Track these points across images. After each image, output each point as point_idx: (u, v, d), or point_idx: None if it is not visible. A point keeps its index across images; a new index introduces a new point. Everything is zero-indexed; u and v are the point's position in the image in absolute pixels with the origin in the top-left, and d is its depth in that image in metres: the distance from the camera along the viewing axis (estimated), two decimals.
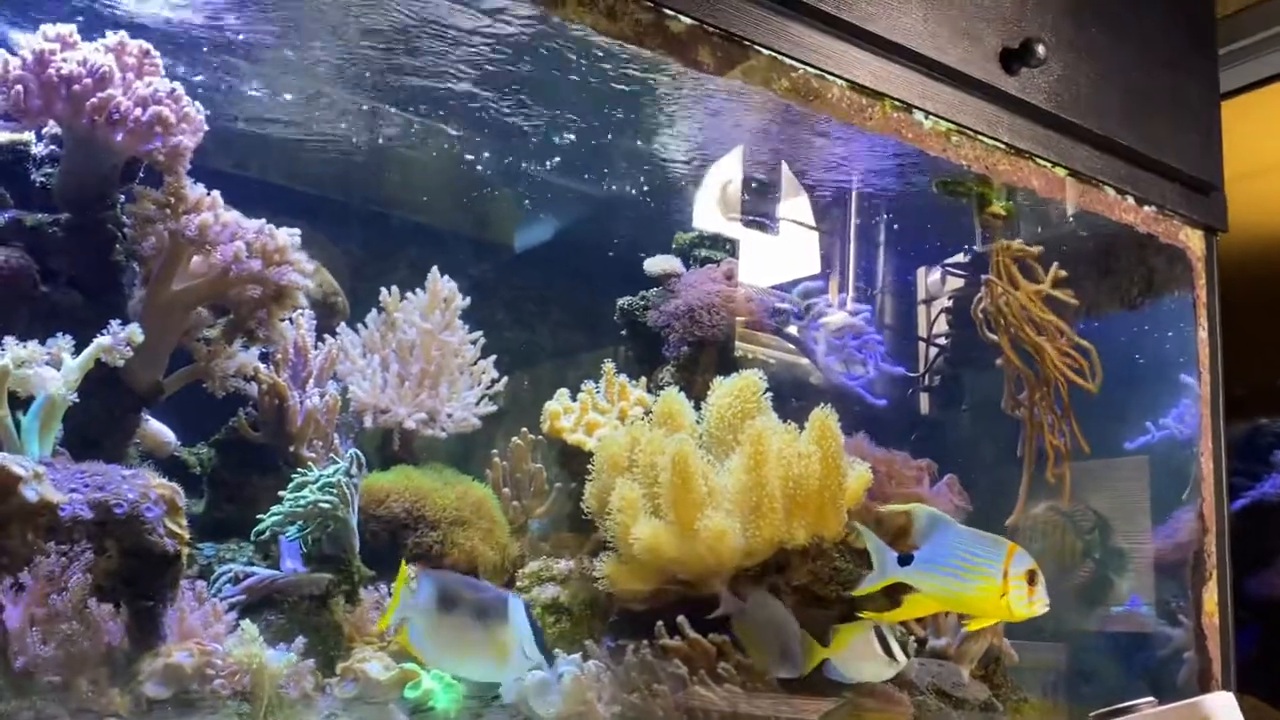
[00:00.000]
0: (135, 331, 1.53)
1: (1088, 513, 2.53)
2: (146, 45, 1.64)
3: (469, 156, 2.40)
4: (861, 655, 1.68)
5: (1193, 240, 2.30)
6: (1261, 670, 2.54)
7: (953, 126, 1.92)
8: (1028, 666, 2.18)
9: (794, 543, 1.78)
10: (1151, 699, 1.67)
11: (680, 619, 1.71)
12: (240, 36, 1.91)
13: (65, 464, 1.43)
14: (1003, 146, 1.99)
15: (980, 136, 1.96)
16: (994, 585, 1.61)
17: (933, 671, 1.92)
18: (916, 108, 1.88)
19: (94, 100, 1.55)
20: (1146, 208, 2.22)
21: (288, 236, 1.67)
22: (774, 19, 1.67)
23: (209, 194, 1.67)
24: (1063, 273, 2.17)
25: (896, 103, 1.86)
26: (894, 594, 1.73)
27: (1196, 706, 1.62)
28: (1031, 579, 1.62)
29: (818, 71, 1.77)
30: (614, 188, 2.53)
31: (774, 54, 1.72)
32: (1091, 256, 2.40)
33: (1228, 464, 2.45)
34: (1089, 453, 2.22)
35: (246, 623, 1.45)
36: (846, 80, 1.80)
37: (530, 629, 1.47)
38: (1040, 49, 1.91)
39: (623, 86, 2.00)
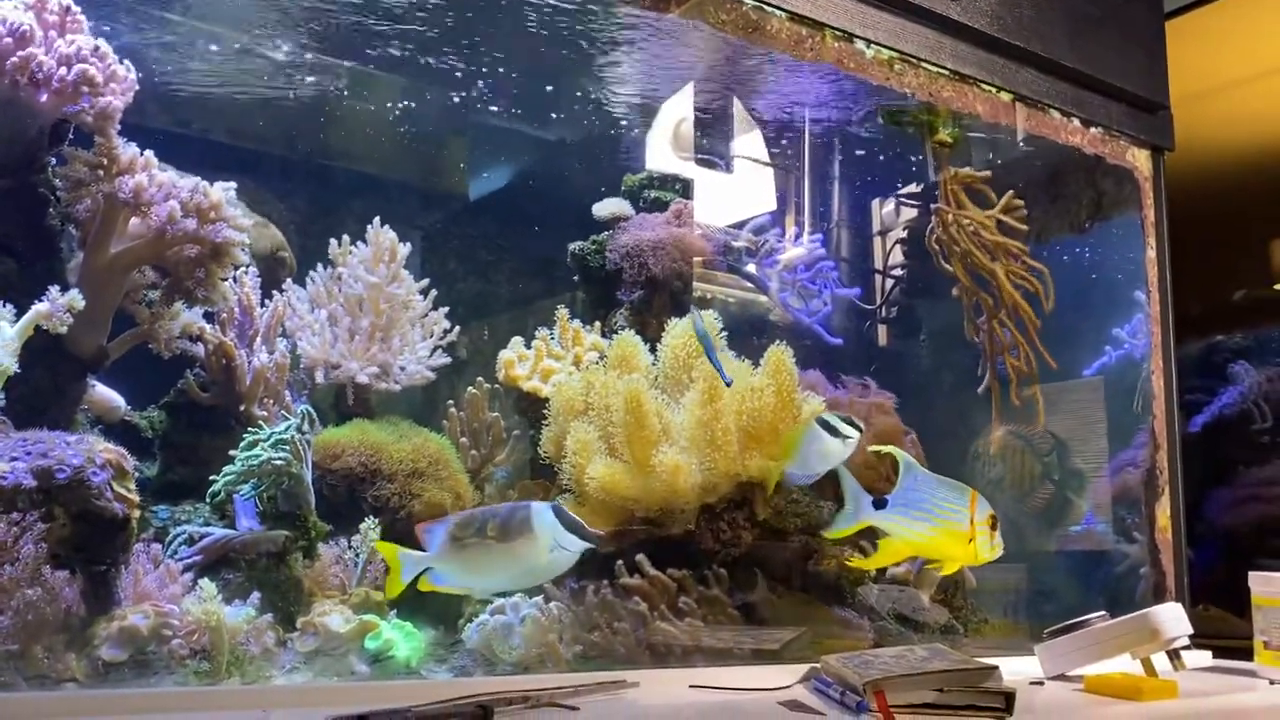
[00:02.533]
0: (75, 298, 1.50)
1: (1046, 435, 2.56)
2: (67, 1, 1.59)
3: (415, 106, 2.37)
4: (816, 451, 1.70)
5: (1140, 160, 2.31)
6: (1224, 583, 2.60)
7: (895, 54, 1.91)
8: (988, 589, 2.22)
9: (749, 476, 1.79)
10: (1103, 613, 1.71)
11: (640, 556, 1.73)
12: None
13: (7, 432, 1.41)
14: (946, 73, 1.98)
15: (923, 63, 1.95)
16: (962, 531, 1.64)
17: (893, 597, 1.95)
18: (858, 37, 1.86)
19: (15, 59, 1.51)
20: (1093, 129, 2.22)
21: (221, 192, 1.64)
22: None
23: (142, 154, 1.64)
24: (1018, 201, 2.18)
25: (837, 32, 1.84)
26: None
27: (1146, 617, 1.65)
28: (993, 524, 1.66)
29: (757, 3, 1.75)
30: (563, 132, 2.51)
31: None
32: (1039, 182, 2.40)
33: (1184, 382, 2.49)
34: (1055, 368, 2.24)
35: (205, 581, 1.45)
36: (786, 11, 1.78)
37: (559, 524, 1.50)
38: None
39: (567, 29, 1.97)
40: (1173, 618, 1.67)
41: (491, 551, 1.50)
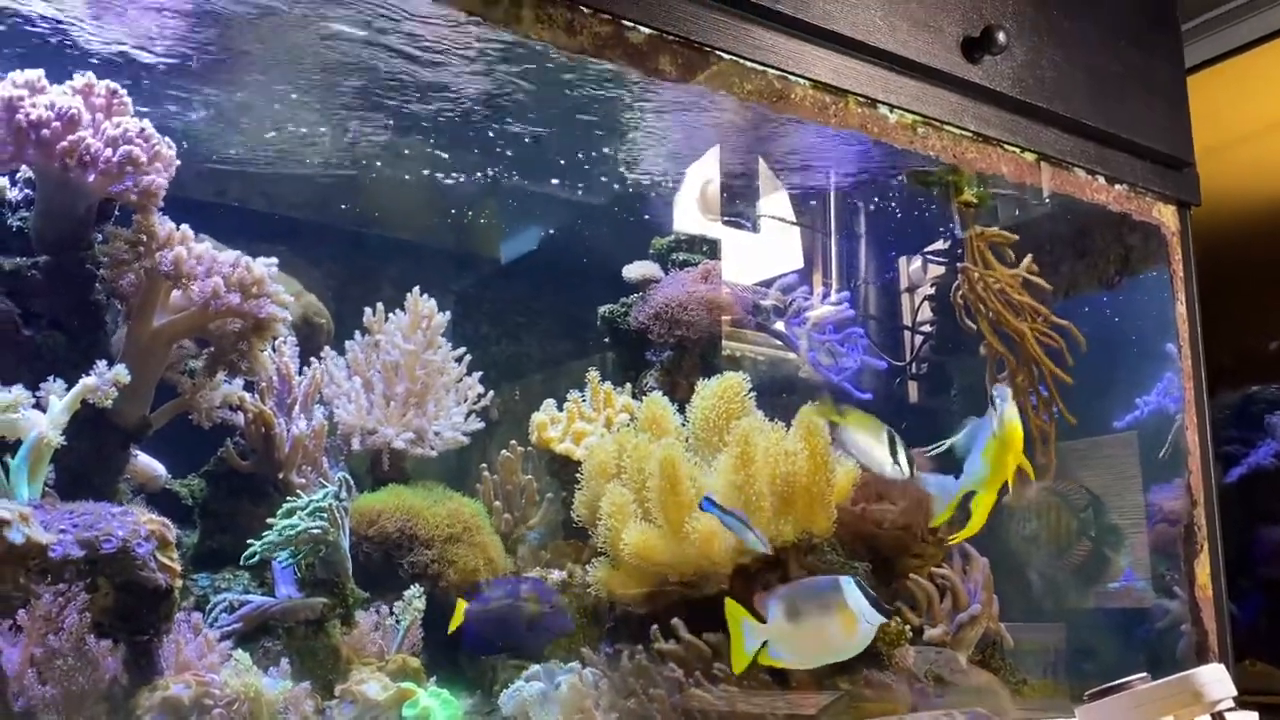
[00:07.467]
0: (122, 373, 1.54)
1: (1081, 491, 2.55)
2: (114, 85, 1.65)
3: (448, 174, 2.42)
4: (869, 442, 1.80)
5: (1166, 216, 2.31)
6: (1268, 636, 2.56)
7: (918, 118, 1.93)
8: (1026, 649, 2.20)
9: (783, 540, 1.79)
10: (1144, 674, 1.69)
11: (675, 621, 1.72)
12: (213, 62, 1.92)
13: (54, 505, 1.45)
14: (970, 135, 2.00)
15: (946, 126, 1.97)
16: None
17: (930, 659, 1.93)
18: (881, 102, 1.89)
19: (64, 144, 1.56)
20: (1118, 186, 2.23)
21: (264, 267, 1.68)
22: (733, 24, 1.68)
23: (179, 228, 1.68)
24: (1034, 267, 2.19)
25: (860, 98, 1.87)
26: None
27: (1188, 679, 1.63)
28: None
29: (780, 73, 1.79)
30: (592, 197, 2.55)
31: (736, 58, 1.73)
32: (1067, 238, 2.41)
33: (1220, 434, 2.47)
34: (1074, 424, 2.24)
35: (239, 652, 1.47)
36: (809, 80, 1.81)
37: (864, 599, 1.54)
38: (1001, 36, 1.92)
39: (595, 96, 2.01)
40: (1216, 680, 1.64)
41: (816, 625, 1.55)
